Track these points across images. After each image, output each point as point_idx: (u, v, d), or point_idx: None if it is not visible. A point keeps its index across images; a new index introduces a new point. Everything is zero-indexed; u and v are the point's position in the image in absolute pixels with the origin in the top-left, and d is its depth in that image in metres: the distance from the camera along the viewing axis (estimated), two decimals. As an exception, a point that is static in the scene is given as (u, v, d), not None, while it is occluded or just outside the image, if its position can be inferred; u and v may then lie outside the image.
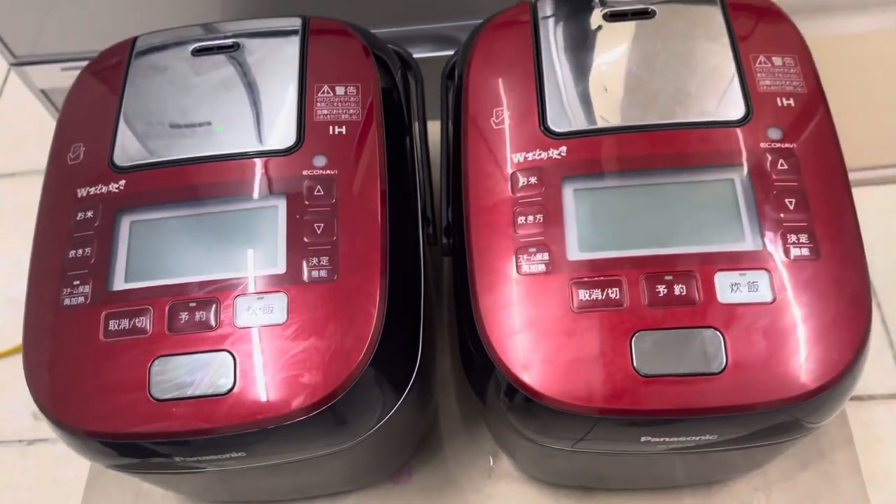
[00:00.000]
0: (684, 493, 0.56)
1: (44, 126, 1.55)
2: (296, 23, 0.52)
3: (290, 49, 0.51)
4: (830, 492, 0.55)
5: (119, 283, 0.44)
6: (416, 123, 0.56)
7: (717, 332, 0.40)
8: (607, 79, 0.47)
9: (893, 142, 1.13)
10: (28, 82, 1.02)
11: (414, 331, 0.48)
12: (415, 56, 0.62)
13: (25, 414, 1.22)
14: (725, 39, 0.47)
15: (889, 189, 1.21)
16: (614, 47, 0.48)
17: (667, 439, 0.42)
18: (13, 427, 1.20)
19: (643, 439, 0.42)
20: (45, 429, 1.24)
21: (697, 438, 0.42)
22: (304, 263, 0.44)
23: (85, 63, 0.98)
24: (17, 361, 1.37)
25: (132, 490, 0.60)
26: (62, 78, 1.00)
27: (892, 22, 0.96)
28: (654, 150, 0.44)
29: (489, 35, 0.51)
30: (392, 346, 0.44)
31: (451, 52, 0.59)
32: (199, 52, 0.51)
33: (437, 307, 0.64)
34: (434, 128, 0.56)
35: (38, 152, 1.58)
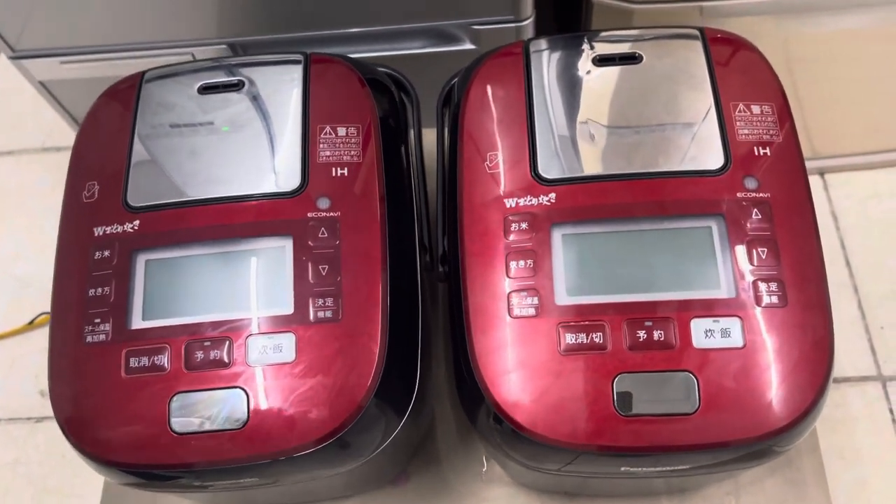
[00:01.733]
0: (661, 498, 0.61)
1: (42, 106, 1.55)
2: (298, 58, 0.55)
3: (293, 87, 0.53)
4: (796, 496, 0.60)
5: (137, 322, 0.47)
6: (413, 145, 0.58)
7: (692, 375, 0.43)
8: (595, 126, 0.50)
9: (871, 130, 1.16)
10: (27, 74, 1.03)
11: (413, 360, 0.52)
12: (412, 52, 0.62)
13: (34, 391, 1.26)
14: (707, 86, 0.50)
15: (867, 175, 1.24)
16: (602, 93, 0.51)
17: (645, 469, 0.46)
18: (23, 404, 1.24)
19: (623, 469, 0.46)
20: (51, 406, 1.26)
21: (672, 469, 0.46)
22: (311, 304, 0.47)
23: (83, 57, 0.99)
24: (25, 340, 1.40)
25: (149, 495, 0.64)
26: (61, 71, 1.02)
27: (874, 21, 0.99)
28: (638, 197, 0.47)
29: (484, 74, 0.53)
30: (393, 378, 0.48)
31: (445, 49, 0.60)
32: (205, 91, 0.53)
33: (433, 314, 0.68)
34: (429, 135, 0.58)
35: (37, 131, 1.58)
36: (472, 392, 0.47)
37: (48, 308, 1.40)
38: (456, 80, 0.57)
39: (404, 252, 0.53)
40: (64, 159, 1.61)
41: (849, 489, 0.88)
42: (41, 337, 1.30)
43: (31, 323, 1.28)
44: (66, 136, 1.48)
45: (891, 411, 1.09)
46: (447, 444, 0.65)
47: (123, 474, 0.47)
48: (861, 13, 0.99)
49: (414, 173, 0.58)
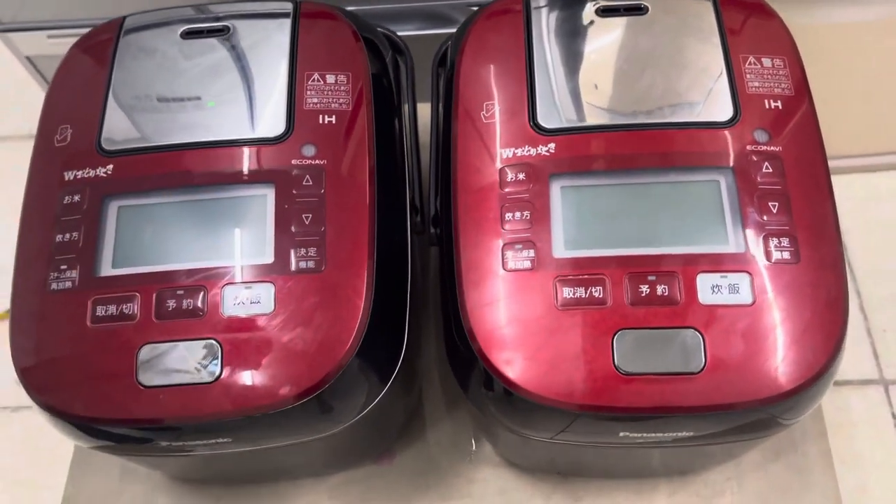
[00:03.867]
0: (659, 481, 0.57)
1: (27, 91, 1.52)
2: (287, 7, 0.52)
3: (280, 35, 0.51)
4: (801, 483, 0.57)
5: (106, 269, 0.44)
6: (406, 108, 0.56)
7: (698, 333, 0.40)
8: (598, 76, 0.47)
9: (873, 131, 1.14)
10: (13, 49, 1.00)
11: (400, 321, 0.49)
12: (405, 34, 0.61)
13: (9, 381, 1.22)
14: (716, 39, 0.48)
15: (868, 177, 1.22)
16: (606, 43, 0.48)
17: (645, 435, 0.43)
18: (-2, 393, 1.21)
19: (622, 434, 0.43)
20: (26, 396, 1.23)
21: (675, 434, 0.43)
22: (292, 254, 0.44)
23: (72, 31, 0.97)
24: (2, 327, 1.36)
25: (118, 466, 0.61)
26: (48, 46, 0.99)
27: (878, 14, 0.97)
28: (642, 149, 0.44)
29: (482, 25, 0.50)
30: (378, 337, 0.45)
31: (442, 31, 0.58)
32: (189, 35, 0.51)
33: (423, 291, 0.65)
34: (423, 110, 0.56)
35: (21, 118, 1.56)
36: (462, 351, 0.44)
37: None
38: (448, 42, 0.55)
39: (394, 209, 0.50)
40: (51, 147, 1.56)
41: (850, 494, 0.85)
42: (21, 325, 1.26)
43: (8, 311, 1.24)
44: (55, 123, 1.46)
45: (893, 416, 1.06)
46: (435, 424, 0.62)
47: (85, 431, 0.44)
48: (865, 5, 0.97)
49: (406, 135, 0.56)
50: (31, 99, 1.50)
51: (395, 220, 0.50)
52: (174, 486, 0.60)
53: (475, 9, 0.54)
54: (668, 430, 0.42)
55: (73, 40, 1.01)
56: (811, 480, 0.57)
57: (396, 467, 0.60)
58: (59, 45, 0.99)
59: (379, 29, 0.57)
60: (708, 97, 0.46)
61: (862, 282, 1.19)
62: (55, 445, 1.15)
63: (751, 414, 0.41)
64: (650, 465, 0.56)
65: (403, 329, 0.49)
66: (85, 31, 0.98)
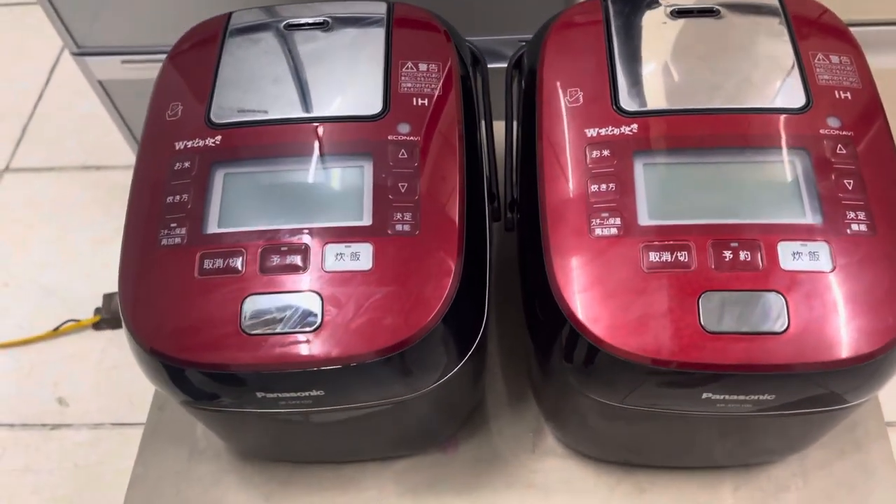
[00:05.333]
0: (725, 474, 0.58)
1: (85, 124, 1.60)
2: (381, 7, 0.56)
3: (377, 28, 0.55)
4: (865, 481, 0.57)
5: (213, 228, 0.47)
6: (482, 106, 0.59)
7: (780, 296, 0.42)
8: (675, 67, 0.50)
9: None
10: (87, 73, 1.06)
11: (481, 296, 0.51)
12: None
13: (50, 399, 1.24)
14: (786, 37, 0.51)
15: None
16: (681, 40, 0.52)
17: (727, 397, 0.44)
18: (38, 411, 1.22)
19: (704, 396, 0.44)
20: (69, 414, 1.25)
21: (756, 398, 0.44)
22: (390, 218, 0.47)
23: (145, 57, 1.02)
24: (44, 348, 1.40)
25: (187, 447, 0.62)
26: (121, 70, 1.05)
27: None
28: (720, 131, 0.47)
29: (563, 24, 0.54)
30: (463, 305, 0.47)
31: (494, 66, 0.62)
32: (290, 28, 0.55)
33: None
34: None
35: (76, 149, 1.62)
36: (548, 318, 0.46)
37: (71, 316, 1.40)
38: (525, 46, 0.58)
39: (475, 191, 0.53)
40: (102, 178, 1.64)
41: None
42: (63, 345, 1.29)
43: (56, 330, 1.27)
44: (106, 156, 1.52)
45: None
46: (498, 417, 0.63)
47: (185, 379, 0.45)
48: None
49: (483, 131, 0.59)
50: (87, 132, 1.58)
51: (478, 202, 0.53)
52: (242, 467, 0.61)
53: (523, 44, 0.58)
54: (751, 391, 0.44)
55: (146, 65, 1.06)
56: (875, 478, 0.57)
57: (460, 456, 0.61)
58: (131, 70, 1.05)
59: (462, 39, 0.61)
60: (782, 87, 0.49)
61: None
62: (92, 463, 1.17)
63: (831, 378, 0.43)
64: (716, 453, 0.56)
65: (484, 304, 0.51)
66: (158, 56, 1.03)
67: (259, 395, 0.46)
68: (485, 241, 0.53)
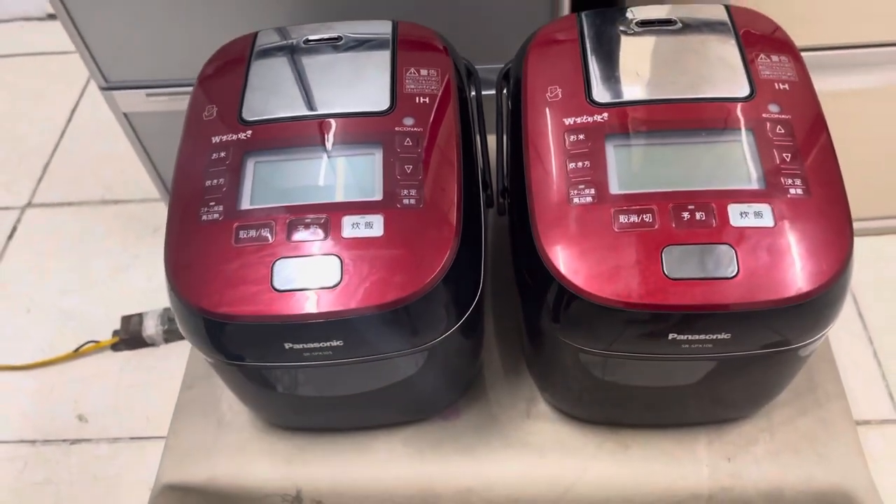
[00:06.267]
0: (699, 431, 0.65)
1: (104, 162, 1.69)
2: (387, 25, 0.65)
3: (384, 41, 0.64)
4: (826, 434, 0.64)
5: (246, 205, 0.55)
6: (474, 109, 0.68)
7: (731, 247, 0.50)
8: (639, 66, 0.59)
9: (872, 195, 1.25)
10: (113, 106, 1.15)
11: (478, 262, 0.58)
12: None
13: (71, 416, 1.30)
14: (733, 42, 0.60)
15: (869, 241, 1.33)
16: (645, 45, 0.61)
17: (690, 336, 0.51)
18: (58, 427, 1.28)
19: (671, 336, 0.51)
20: (88, 430, 1.31)
21: (715, 337, 0.51)
22: (398, 193, 0.54)
23: (169, 90, 1.11)
24: (65, 368, 1.47)
25: (214, 419, 0.69)
26: (146, 103, 1.14)
27: (876, 81, 1.10)
28: (679, 116, 0.56)
29: (543, 35, 0.63)
30: (462, 268, 0.55)
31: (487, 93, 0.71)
32: (309, 42, 0.64)
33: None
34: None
35: (94, 185, 1.71)
36: (536, 275, 0.54)
37: (90, 338, 1.47)
38: (511, 62, 0.67)
39: (471, 177, 0.61)
40: (120, 211, 1.72)
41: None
42: (83, 366, 1.35)
43: (76, 351, 1.33)
44: (123, 191, 1.61)
45: (911, 451, 1.12)
46: (495, 388, 0.69)
47: (222, 332, 0.53)
48: (865, 73, 1.10)
49: (476, 131, 0.68)
50: (105, 169, 1.66)
51: (473, 186, 0.61)
52: (265, 436, 0.67)
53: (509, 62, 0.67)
54: (709, 330, 0.51)
55: (170, 99, 1.15)
56: (835, 431, 0.64)
57: (462, 422, 0.67)
58: (155, 103, 1.14)
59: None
60: (730, 81, 0.57)
61: (874, 333, 1.27)
62: (111, 476, 1.22)
63: (778, 316, 0.50)
64: (690, 409, 0.63)
65: (480, 269, 0.59)
66: (179, 89, 1.12)
67: (287, 345, 0.53)
68: (479, 217, 0.61)
